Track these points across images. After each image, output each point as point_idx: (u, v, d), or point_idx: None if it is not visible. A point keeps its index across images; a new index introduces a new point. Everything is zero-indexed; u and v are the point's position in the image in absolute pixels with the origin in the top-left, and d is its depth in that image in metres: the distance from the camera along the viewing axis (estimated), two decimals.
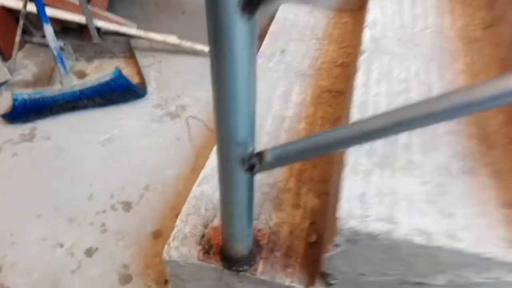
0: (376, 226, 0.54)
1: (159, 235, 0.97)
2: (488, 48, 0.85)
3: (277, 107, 1.02)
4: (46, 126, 1.24)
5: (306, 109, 1.02)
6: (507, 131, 0.66)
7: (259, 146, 0.89)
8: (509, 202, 0.56)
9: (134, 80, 1.37)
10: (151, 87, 1.39)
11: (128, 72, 1.41)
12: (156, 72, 1.46)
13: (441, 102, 0.39)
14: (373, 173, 0.61)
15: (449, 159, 0.62)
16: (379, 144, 0.65)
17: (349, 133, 0.46)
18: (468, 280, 0.54)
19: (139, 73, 1.41)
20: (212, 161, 0.89)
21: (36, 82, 1.39)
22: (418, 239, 0.52)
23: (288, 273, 0.69)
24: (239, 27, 0.40)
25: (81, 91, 1.23)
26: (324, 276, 0.65)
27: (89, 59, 1.48)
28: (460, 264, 0.53)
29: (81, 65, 1.46)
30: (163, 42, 1.47)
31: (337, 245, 0.57)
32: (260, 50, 1.21)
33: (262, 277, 0.68)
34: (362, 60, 0.83)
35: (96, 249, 0.96)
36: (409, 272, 0.57)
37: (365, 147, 0.65)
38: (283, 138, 0.94)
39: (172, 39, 1.46)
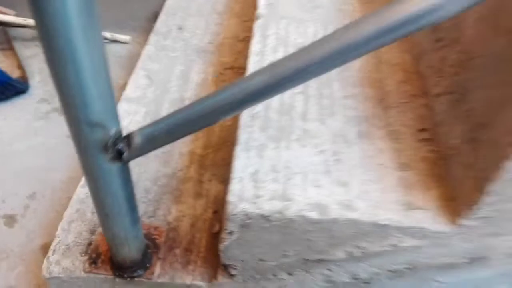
0: (268, 206, 0.48)
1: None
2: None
3: (175, 88, 0.93)
4: None
5: (207, 89, 0.94)
6: (403, 90, 0.64)
7: None
8: (403, 164, 0.53)
9: (14, 74, 1.18)
10: (34, 80, 1.21)
11: (6, 67, 1.21)
12: (41, 63, 1.28)
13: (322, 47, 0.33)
14: (268, 148, 0.55)
15: (345, 125, 0.58)
16: (274, 116, 0.59)
17: (229, 97, 0.39)
18: (366, 250, 0.50)
19: (20, 66, 1.22)
20: None
21: None
22: (313, 214, 0.48)
23: (189, 271, 0.61)
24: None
25: None
26: (225, 267, 0.58)
27: None
28: (357, 234, 0.49)
29: None
30: None
31: (231, 232, 0.50)
32: (155, 27, 1.10)
33: (160, 280, 0.60)
34: (257, 25, 0.77)
35: None
36: (308, 250, 0.52)
37: (260, 120, 0.58)
38: None
39: None
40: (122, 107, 0.85)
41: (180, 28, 1.09)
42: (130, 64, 1.31)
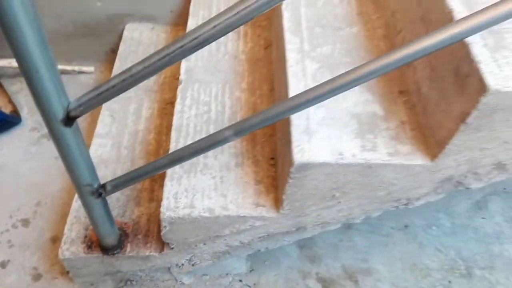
0: (182, 212, 0.92)
1: (56, 240, 1.26)
2: (266, 67, 1.24)
3: (131, 123, 1.33)
4: None
5: (154, 121, 1.34)
6: (265, 132, 1.07)
7: (119, 159, 1.20)
8: (258, 181, 0.97)
9: (7, 109, 1.54)
10: (23, 112, 1.57)
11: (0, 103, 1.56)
12: (26, 96, 1.63)
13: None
14: (183, 177, 0.98)
15: (229, 159, 1.02)
16: None
17: (158, 164, 0.80)
18: (238, 229, 0.95)
19: (10, 101, 1.57)
20: None
21: None
22: (206, 214, 0.92)
23: (147, 247, 1.05)
24: (66, 132, 0.70)
25: None
26: (167, 244, 1.02)
27: None
28: (231, 222, 0.94)
29: None
30: None
31: (164, 227, 0.94)
32: (113, 72, 1.48)
33: (130, 254, 1.04)
34: (179, 90, 1.17)
35: (8, 261, 1.22)
36: (209, 231, 0.97)
37: None
38: (137, 150, 1.26)
39: None
40: (95, 142, 1.25)
41: None
42: None
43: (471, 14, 0.55)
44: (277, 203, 0.93)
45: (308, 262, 1.27)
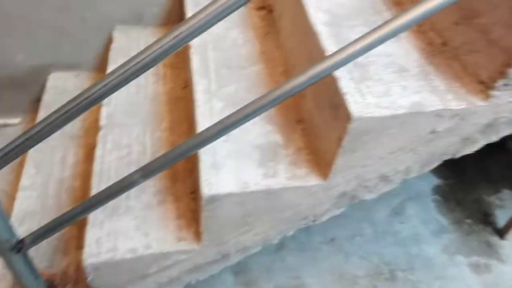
0: (105, 256, 0.94)
1: None
2: (185, 106, 1.32)
3: (57, 171, 1.33)
4: None
5: (80, 167, 1.36)
6: (184, 168, 1.13)
7: (44, 210, 1.21)
8: (180, 215, 1.03)
9: None
10: None
11: None
12: None
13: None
14: (105, 222, 1.01)
15: (151, 197, 1.06)
16: None
17: (74, 212, 0.83)
18: (163, 265, 0.99)
19: None
20: None
21: None
22: (129, 255, 0.95)
23: None
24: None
25: None
26: None
27: None
28: (156, 259, 0.98)
29: None
30: None
31: (89, 273, 0.96)
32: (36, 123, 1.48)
33: None
34: (99, 135, 1.21)
35: None
36: (136, 272, 1.00)
37: None
38: (63, 198, 1.27)
39: None
40: (20, 196, 1.25)
41: None
42: None
43: (330, 55, 0.66)
44: (198, 235, 0.99)
45: (243, 287, 1.32)
